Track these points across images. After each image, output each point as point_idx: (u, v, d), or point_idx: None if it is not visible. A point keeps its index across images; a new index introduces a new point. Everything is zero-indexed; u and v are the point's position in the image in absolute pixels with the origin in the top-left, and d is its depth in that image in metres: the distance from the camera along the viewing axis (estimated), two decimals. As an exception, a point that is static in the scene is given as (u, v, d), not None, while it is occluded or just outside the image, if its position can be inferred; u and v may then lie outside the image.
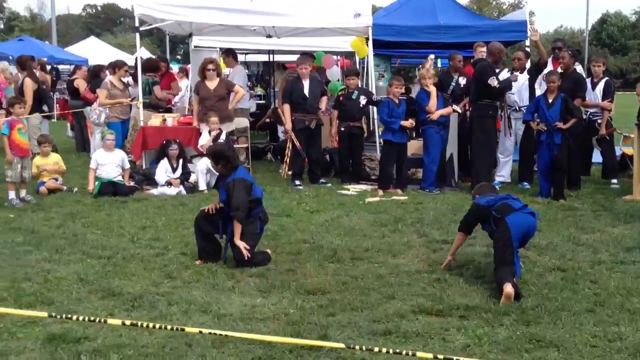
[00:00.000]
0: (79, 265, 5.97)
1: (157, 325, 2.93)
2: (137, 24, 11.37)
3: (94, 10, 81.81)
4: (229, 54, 13.13)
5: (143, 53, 30.22)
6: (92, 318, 3.12)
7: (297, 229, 7.50)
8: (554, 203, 8.98)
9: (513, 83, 10.08)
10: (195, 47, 14.97)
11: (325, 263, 6.20)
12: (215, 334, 3.13)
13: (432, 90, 9.90)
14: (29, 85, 11.14)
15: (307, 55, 11.65)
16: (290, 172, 10.81)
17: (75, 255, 6.30)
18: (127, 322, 2.93)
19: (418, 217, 8.06)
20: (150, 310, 4.89)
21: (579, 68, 10.71)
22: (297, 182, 10.29)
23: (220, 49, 14.46)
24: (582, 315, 4.85)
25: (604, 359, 4.16)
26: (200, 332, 2.84)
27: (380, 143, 10.98)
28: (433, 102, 9.82)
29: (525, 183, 10.25)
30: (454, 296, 5.24)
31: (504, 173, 10.51)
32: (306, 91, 10.47)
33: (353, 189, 10.05)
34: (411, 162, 10.40)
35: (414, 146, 10.56)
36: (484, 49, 10.41)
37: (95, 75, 13.70)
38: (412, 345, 4.34)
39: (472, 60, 10.94)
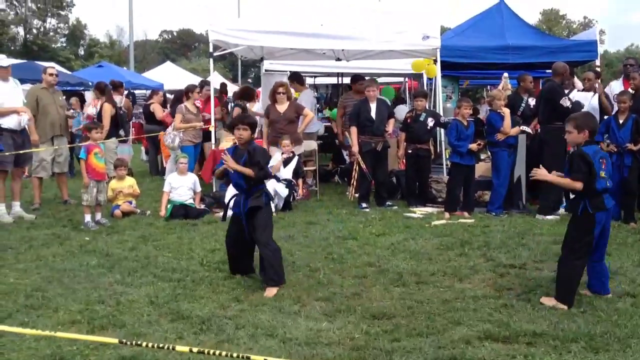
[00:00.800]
0: (150, 288, 6.13)
1: (224, 353, 3.00)
2: (211, 49, 11.73)
3: (170, 36, 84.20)
4: (294, 80, 13.32)
5: (216, 77, 31.03)
6: (160, 345, 3.22)
7: (363, 252, 7.53)
8: (623, 226, 8.79)
9: (583, 103, 9.89)
10: (266, 70, 15.29)
11: (390, 287, 6.20)
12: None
13: (506, 111, 9.79)
14: (108, 110, 11.60)
15: (373, 79, 11.69)
16: (356, 195, 10.86)
17: (147, 278, 6.47)
18: (195, 350, 3.03)
19: (485, 241, 7.98)
20: (218, 334, 4.98)
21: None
22: (364, 205, 10.33)
23: (291, 72, 14.71)
24: (654, 343, 4.72)
25: (675, 390, 4.04)
26: (265, 359, 2.91)
27: (447, 165, 10.93)
28: (508, 123, 9.71)
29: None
30: (520, 322, 5.15)
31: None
32: (373, 114, 10.53)
33: (419, 211, 10.02)
34: (478, 185, 10.30)
35: (481, 168, 10.47)
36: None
37: (177, 100, 14.10)
38: (477, 372, 4.31)
39: (541, 82, 10.80)
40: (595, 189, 5.54)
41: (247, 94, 12.98)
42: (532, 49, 12.05)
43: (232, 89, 19.70)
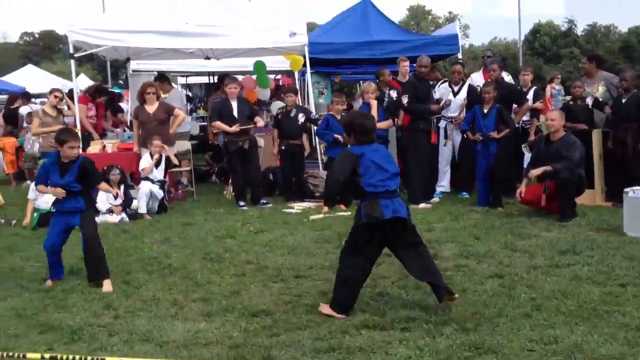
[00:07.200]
0: (17, 300, 5.82)
1: (78, 357, 2.88)
2: (71, 51, 11.25)
3: (31, 38, 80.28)
4: (162, 80, 13.07)
5: (83, 79, 29.86)
6: (10, 354, 3.05)
7: (241, 250, 7.48)
8: (491, 211, 9.19)
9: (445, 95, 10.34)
10: (133, 71, 14.88)
11: (269, 283, 6.19)
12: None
13: (373, 103, 9.99)
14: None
15: (234, 77, 11.45)
16: (234, 193, 10.76)
17: (13, 290, 6.13)
18: (47, 356, 2.89)
19: (361, 232, 8.12)
20: (90, 343, 4.79)
21: (508, 78, 11.02)
22: (242, 203, 10.24)
23: (159, 72, 14.38)
24: (519, 320, 4.94)
25: (540, 362, 4.25)
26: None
27: (322, 160, 11.03)
28: (374, 113, 9.91)
29: (464, 193, 10.42)
30: (396, 309, 5.27)
31: (444, 183, 10.65)
32: (235, 112, 10.33)
33: (297, 207, 10.08)
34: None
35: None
36: (407, 63, 10.63)
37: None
38: (355, 360, 4.37)
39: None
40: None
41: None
42: (396, 43, 12.41)
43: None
